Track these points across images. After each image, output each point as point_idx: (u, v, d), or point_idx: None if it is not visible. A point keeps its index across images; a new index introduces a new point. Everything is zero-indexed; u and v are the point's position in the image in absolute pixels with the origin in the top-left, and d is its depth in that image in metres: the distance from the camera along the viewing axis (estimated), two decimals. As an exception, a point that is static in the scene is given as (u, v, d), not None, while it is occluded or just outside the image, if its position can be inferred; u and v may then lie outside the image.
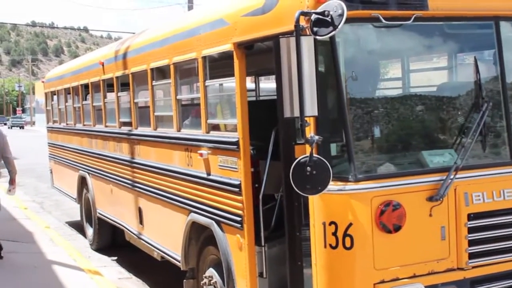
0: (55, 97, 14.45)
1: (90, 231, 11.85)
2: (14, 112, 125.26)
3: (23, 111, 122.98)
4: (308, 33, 4.47)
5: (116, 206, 10.12)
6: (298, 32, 4.34)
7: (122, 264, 10.57)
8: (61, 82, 13.52)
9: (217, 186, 6.31)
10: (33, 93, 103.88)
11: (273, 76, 10.29)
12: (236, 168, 5.93)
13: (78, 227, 13.31)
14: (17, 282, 8.73)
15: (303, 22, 4.51)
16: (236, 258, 6.03)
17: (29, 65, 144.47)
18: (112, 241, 11.43)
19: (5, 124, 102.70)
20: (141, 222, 8.79)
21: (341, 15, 4.35)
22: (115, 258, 10.91)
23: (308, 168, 4.41)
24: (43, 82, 15.87)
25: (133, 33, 11.94)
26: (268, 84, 10.74)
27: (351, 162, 4.71)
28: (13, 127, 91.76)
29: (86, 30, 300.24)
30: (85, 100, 11.62)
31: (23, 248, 11.05)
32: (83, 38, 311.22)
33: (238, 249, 5.95)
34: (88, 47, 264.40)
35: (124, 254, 10.89)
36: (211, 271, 6.67)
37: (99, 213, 11.01)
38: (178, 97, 7.25)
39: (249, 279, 5.87)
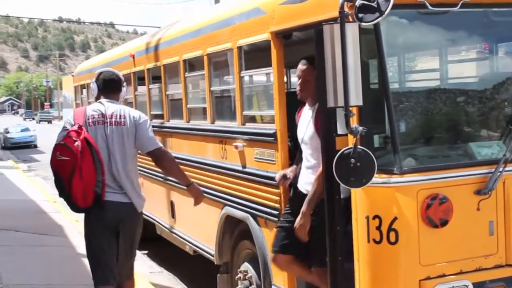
0: (84, 90, 14.40)
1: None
2: (42, 107, 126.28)
3: (51, 106, 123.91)
4: (352, 20, 4.30)
5: (147, 200, 10.00)
6: (342, 18, 4.17)
7: (153, 258, 10.50)
8: (91, 76, 13.44)
9: (253, 179, 6.17)
10: (61, 88, 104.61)
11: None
12: (273, 160, 5.79)
13: (107, 220, 13.24)
14: (49, 274, 8.68)
15: (346, 9, 4.35)
16: (273, 253, 5.88)
17: (56, 61, 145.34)
18: (142, 235, 11.30)
19: (33, 118, 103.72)
20: (173, 216, 8.70)
21: (388, 0, 4.18)
22: (146, 252, 10.84)
23: (352, 160, 4.24)
24: (73, 75, 15.83)
25: (159, 27, 11.82)
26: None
27: (396, 154, 4.53)
28: (41, 122, 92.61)
29: (112, 25, 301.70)
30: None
31: (53, 241, 11.02)
32: (109, 34, 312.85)
33: (275, 243, 5.80)
34: (115, 42, 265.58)
35: (155, 248, 10.81)
36: (246, 266, 6.54)
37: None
38: (212, 88, 7.13)
39: (286, 275, 5.73)
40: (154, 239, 10.35)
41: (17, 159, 31.18)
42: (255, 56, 6.51)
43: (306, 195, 5.17)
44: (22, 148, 40.46)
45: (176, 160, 8.21)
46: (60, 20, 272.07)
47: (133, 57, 10.14)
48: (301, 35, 6.18)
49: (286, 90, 9.57)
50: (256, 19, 5.99)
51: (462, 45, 5.78)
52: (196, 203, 5.96)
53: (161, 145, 5.86)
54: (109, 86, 5.62)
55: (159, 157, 5.74)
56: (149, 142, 5.61)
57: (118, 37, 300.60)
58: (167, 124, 8.71)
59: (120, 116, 5.44)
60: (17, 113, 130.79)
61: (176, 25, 8.90)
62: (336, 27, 4.19)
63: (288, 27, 5.49)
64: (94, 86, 5.69)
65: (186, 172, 7.92)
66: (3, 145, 42.62)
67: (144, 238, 11.03)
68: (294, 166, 5.52)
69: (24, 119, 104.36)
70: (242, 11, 6.40)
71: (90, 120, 5.34)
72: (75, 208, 5.29)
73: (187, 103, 7.91)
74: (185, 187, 6.04)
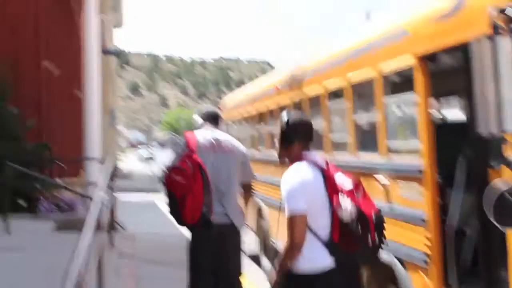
0: (231, 122, 14.39)
1: (266, 262, 11.48)
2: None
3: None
4: (507, 34, 3.73)
5: (281, 229, 9.65)
6: (495, 33, 3.63)
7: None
8: (236, 108, 13.42)
9: (398, 218, 5.63)
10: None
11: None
12: (420, 198, 5.24)
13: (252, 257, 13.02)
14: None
15: (499, 21, 3.79)
16: (421, 301, 5.30)
17: (213, 97, 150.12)
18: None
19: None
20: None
21: (550, 10, 3.59)
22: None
23: (510, 198, 3.64)
24: (219, 108, 15.94)
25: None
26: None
27: None
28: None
29: (267, 63, 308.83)
30: (260, 125, 11.36)
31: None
32: (264, 71, 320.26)
33: (423, 290, 5.22)
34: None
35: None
36: (391, 312, 5.98)
37: (273, 243, 10.61)
38: (354, 118, 6.70)
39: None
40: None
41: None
42: (399, 82, 6.02)
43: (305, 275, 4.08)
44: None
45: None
46: (219, 59, 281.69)
47: (278, 90, 9.91)
48: (451, 61, 5.64)
49: (438, 121, 9.04)
50: (398, 41, 5.51)
51: None
52: None
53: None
54: (212, 118, 6.11)
55: (249, 188, 6.22)
56: (251, 174, 6.18)
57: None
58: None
59: (229, 144, 5.93)
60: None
61: (317, 55, 8.57)
62: (488, 42, 3.64)
63: (432, 49, 4.96)
64: (198, 118, 6.16)
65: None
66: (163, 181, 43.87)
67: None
68: None
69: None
70: (383, 34, 5.95)
71: (201, 146, 5.72)
72: (182, 224, 5.72)
73: (328, 135, 7.52)
74: None
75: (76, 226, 8.63)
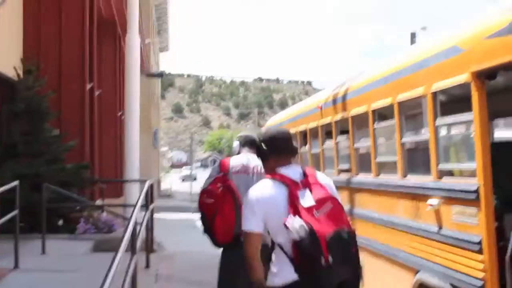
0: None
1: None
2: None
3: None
4: None
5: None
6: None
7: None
8: (280, 129, 13.18)
9: (451, 242, 5.33)
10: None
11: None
12: (475, 221, 4.93)
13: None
14: None
15: None
16: (475, 332, 4.97)
17: (255, 118, 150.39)
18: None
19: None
20: (360, 279, 7.94)
21: None
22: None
23: None
24: (262, 129, 15.74)
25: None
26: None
27: None
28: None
29: (309, 83, 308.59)
30: (303, 146, 11.13)
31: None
32: (307, 91, 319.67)
33: (479, 321, 4.89)
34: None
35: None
36: None
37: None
38: (403, 140, 6.42)
39: None
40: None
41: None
42: (452, 101, 5.73)
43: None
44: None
45: (363, 218, 7.64)
46: (260, 79, 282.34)
47: (321, 109, 9.67)
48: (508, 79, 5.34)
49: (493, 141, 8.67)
50: (453, 59, 5.23)
51: None
52: None
53: None
54: (249, 143, 6.21)
55: None
56: None
57: (315, 94, 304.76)
58: (354, 179, 8.05)
59: (260, 167, 5.84)
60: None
61: (364, 73, 8.31)
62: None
63: (492, 66, 4.67)
64: (236, 144, 6.32)
65: (374, 231, 7.26)
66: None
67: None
68: None
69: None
70: (436, 51, 5.67)
71: (233, 169, 5.85)
72: (215, 243, 5.80)
73: (376, 156, 7.24)
74: None
75: (113, 247, 8.52)
